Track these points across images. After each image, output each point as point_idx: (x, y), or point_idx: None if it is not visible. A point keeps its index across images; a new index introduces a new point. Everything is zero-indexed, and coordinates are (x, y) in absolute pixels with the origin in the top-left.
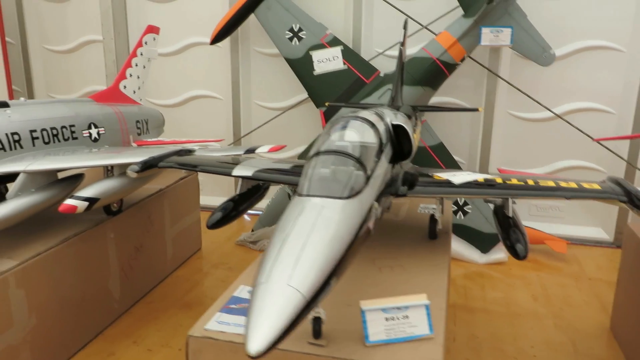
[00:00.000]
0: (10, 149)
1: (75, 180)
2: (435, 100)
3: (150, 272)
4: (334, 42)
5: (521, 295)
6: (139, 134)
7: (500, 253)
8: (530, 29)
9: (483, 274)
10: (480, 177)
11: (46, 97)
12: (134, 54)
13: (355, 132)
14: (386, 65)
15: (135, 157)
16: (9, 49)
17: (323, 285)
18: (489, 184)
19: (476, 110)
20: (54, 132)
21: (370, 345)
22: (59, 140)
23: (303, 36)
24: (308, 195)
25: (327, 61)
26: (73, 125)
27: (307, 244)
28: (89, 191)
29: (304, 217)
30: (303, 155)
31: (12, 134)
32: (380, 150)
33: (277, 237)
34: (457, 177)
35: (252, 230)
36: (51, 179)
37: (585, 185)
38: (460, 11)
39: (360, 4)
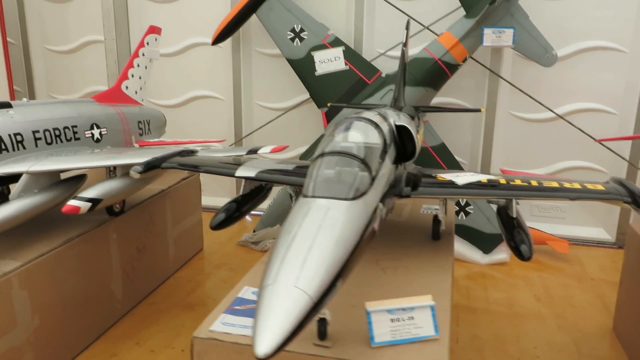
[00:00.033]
0: (13, 150)
1: (78, 181)
2: (437, 100)
3: (153, 273)
4: (336, 42)
5: (523, 296)
6: (141, 135)
7: (502, 253)
8: (532, 30)
9: (485, 275)
10: (483, 177)
11: (47, 98)
12: (136, 55)
13: (360, 133)
14: (388, 66)
15: (137, 157)
16: (10, 49)
17: (330, 287)
18: (492, 185)
19: (478, 110)
20: (57, 132)
21: (376, 347)
22: (61, 141)
23: (305, 37)
24: (314, 197)
25: (329, 62)
26: (75, 126)
27: (314, 245)
28: (92, 192)
29: (310, 219)
30: (305, 155)
31: (15, 134)
32: (384, 151)
33: (283, 239)
34: (461, 178)
35: (254, 231)
36: (54, 180)
37: (589, 186)
38: (462, 12)
39: (362, 5)
